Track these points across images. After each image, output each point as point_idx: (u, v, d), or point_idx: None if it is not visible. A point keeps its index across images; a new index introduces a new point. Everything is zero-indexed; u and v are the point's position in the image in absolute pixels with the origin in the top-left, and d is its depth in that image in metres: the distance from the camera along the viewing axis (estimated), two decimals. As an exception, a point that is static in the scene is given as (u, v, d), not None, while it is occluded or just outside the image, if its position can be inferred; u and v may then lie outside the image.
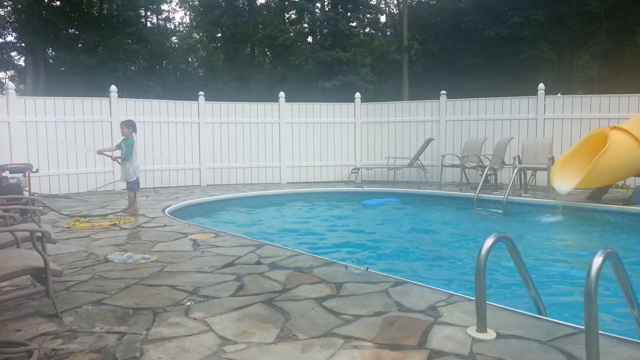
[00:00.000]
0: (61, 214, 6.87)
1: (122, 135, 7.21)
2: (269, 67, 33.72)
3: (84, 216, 6.79)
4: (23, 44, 25.37)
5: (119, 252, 4.60)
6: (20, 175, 7.62)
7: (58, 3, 26.18)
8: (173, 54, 31.72)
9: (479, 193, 8.67)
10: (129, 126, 7.19)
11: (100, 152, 7.43)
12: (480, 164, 10.24)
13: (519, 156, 9.54)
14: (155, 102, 11.22)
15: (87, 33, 25.40)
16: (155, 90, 25.45)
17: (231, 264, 4.22)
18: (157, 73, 29.40)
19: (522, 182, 9.48)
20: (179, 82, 29.92)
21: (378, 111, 12.42)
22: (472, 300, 2.99)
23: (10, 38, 26.87)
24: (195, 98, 11.57)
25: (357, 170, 11.68)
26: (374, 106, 12.56)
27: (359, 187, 10.77)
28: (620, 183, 9.55)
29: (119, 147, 7.26)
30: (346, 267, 4.04)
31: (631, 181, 9.53)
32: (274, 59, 32.90)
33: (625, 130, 7.65)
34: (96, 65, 23.64)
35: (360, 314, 2.98)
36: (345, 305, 3.14)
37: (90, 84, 22.23)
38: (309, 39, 30.49)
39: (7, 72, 29.93)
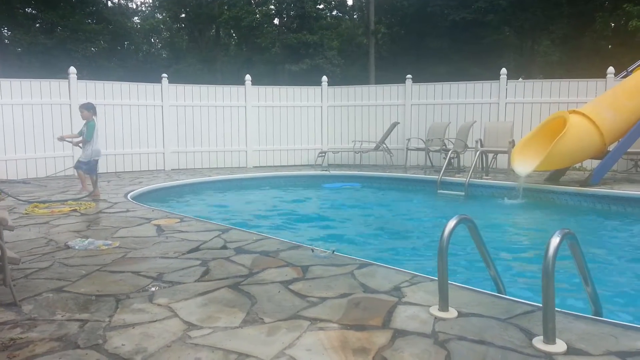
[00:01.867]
0: (19, 199, 6.65)
1: (83, 119, 7.00)
2: (234, 49, 33.14)
3: (43, 202, 6.59)
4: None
5: (79, 239, 4.49)
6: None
7: (13, -19, 24.99)
8: (135, 34, 30.80)
9: (442, 176, 8.83)
10: (88, 109, 6.97)
11: (61, 139, 7.21)
12: (444, 147, 10.41)
13: (481, 140, 9.75)
14: (117, 85, 10.90)
15: (45, 12, 24.35)
16: (117, 72, 24.70)
17: (196, 249, 4.18)
18: (119, 54, 28.54)
19: (484, 165, 9.70)
20: (142, 63, 29.14)
21: (345, 95, 12.43)
22: (434, 280, 3.06)
23: (-38, 18, 25.55)
24: (158, 80, 11.30)
25: (323, 154, 11.70)
26: (341, 90, 12.56)
27: (326, 170, 10.80)
28: (577, 165, 9.89)
29: (81, 133, 7.06)
30: (312, 250, 4.06)
31: (588, 163, 9.88)
32: (240, 41, 32.36)
33: (583, 114, 7.90)
34: (55, 46, 22.76)
35: (326, 296, 3.01)
36: (311, 288, 3.16)
37: (48, 65, 21.41)
38: (276, 21, 30.12)
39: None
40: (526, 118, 10.84)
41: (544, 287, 2.28)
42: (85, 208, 6.18)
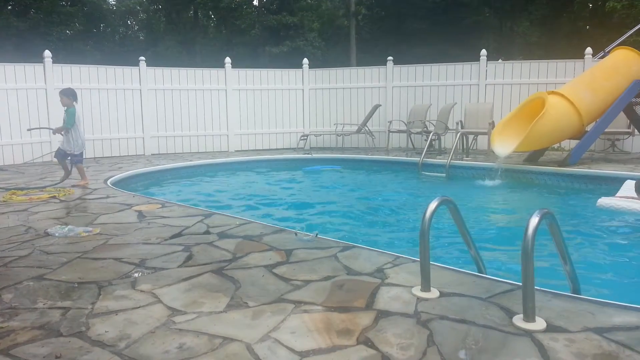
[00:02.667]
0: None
1: (62, 105, 6.73)
2: (213, 31, 32.61)
3: (21, 189, 6.47)
4: None
5: (59, 226, 4.43)
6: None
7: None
8: (111, 16, 30.13)
9: (423, 158, 8.89)
10: (68, 95, 6.67)
11: (56, 132, 6.81)
12: (425, 129, 10.47)
13: (461, 121, 9.82)
14: (93, 68, 10.68)
15: (17, -6, 23.66)
16: (93, 56, 24.17)
17: (179, 235, 4.16)
18: (95, 37, 27.91)
19: (465, 147, 9.79)
20: (118, 46, 28.56)
21: (326, 77, 12.37)
22: (417, 261, 3.09)
23: None
24: (136, 63, 11.09)
25: (305, 137, 11.68)
26: (322, 72, 12.49)
27: (308, 154, 10.78)
28: (556, 145, 10.05)
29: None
30: (296, 234, 4.07)
31: (566, 144, 10.04)
32: (219, 23, 31.87)
33: (562, 95, 8.00)
34: (28, 29, 22.15)
35: (310, 279, 3.03)
36: (295, 272, 3.18)
37: (22, 49, 20.83)
38: (255, 2, 29.70)
39: None
40: (506, 99, 10.93)
41: (523, 266, 2.33)
42: (65, 195, 6.09)
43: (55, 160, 6.86)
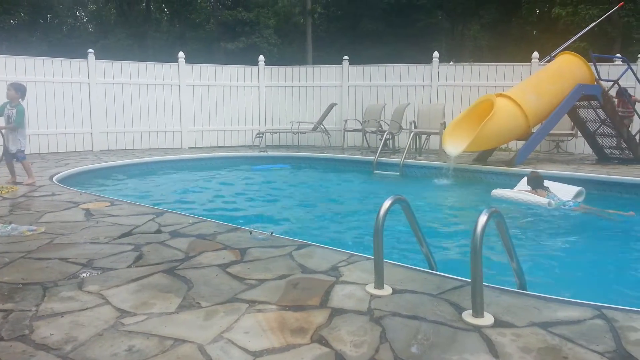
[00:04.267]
0: None
1: (7, 99, 6.30)
2: (166, 25, 31.89)
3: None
4: None
5: (2, 224, 4.22)
6: None
7: None
8: (58, 7, 28.88)
9: (378, 157, 9.02)
10: (17, 90, 6.26)
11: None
12: (380, 128, 10.61)
13: (414, 121, 10.02)
14: (39, 60, 10.22)
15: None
16: (40, 47, 23.13)
17: (129, 234, 4.04)
18: (41, 28, 26.76)
19: (417, 146, 9.99)
20: (66, 38, 27.46)
21: (282, 75, 12.32)
22: (370, 259, 3.13)
23: None
24: (84, 56, 10.70)
25: (261, 135, 11.61)
26: (278, 70, 12.44)
27: (263, 151, 10.72)
28: (503, 146, 10.41)
29: (1, 112, 6.38)
30: (250, 232, 4.04)
31: (513, 144, 10.42)
32: (172, 16, 31.19)
33: (509, 97, 8.29)
34: (-35, 17, 20.97)
35: (264, 278, 3.02)
36: (249, 271, 3.15)
37: (-42, 37, 19.71)
38: (210, -3, 29.24)
39: None
40: (457, 100, 11.23)
41: (472, 263, 2.40)
42: (8, 191, 5.80)
43: (22, 165, 6.38)
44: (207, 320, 2.44)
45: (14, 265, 3.25)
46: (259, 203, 6.99)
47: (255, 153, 10.62)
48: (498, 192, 6.51)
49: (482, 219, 2.43)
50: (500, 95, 8.43)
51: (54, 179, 6.85)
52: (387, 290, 2.78)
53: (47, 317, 2.47)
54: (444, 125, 9.30)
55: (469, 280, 2.49)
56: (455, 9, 25.66)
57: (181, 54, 11.62)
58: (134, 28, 28.17)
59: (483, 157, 8.95)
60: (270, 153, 10.53)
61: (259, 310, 2.55)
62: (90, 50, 10.82)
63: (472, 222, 2.46)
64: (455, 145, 8.13)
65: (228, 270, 3.17)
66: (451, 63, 12.17)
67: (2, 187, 6.06)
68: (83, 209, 4.94)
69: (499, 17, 25.94)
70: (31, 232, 4.02)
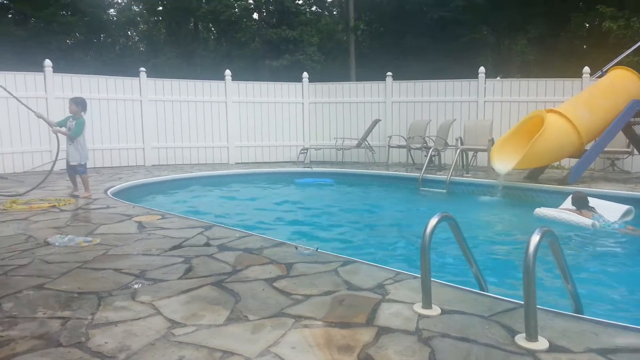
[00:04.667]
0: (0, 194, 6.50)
1: (70, 113, 6.66)
2: (213, 43, 32.79)
3: (18, 196, 6.45)
4: None
5: (59, 235, 4.41)
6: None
7: (-16, -30, 24.37)
8: (111, 27, 30.26)
9: (423, 173, 8.91)
10: (78, 103, 6.61)
11: (55, 131, 6.66)
12: (425, 145, 10.51)
13: (460, 137, 9.86)
14: (94, 78, 10.72)
15: (18, 3, 23.76)
16: (94, 65, 24.27)
17: (179, 246, 4.15)
18: (95, 47, 28.06)
19: (464, 163, 9.82)
20: (119, 57, 28.68)
21: (326, 91, 12.43)
22: (417, 277, 3.09)
23: None
24: (136, 74, 11.14)
25: (305, 151, 11.71)
26: (322, 86, 12.57)
27: (308, 167, 10.80)
28: (555, 164, 10.09)
29: (61, 124, 6.71)
30: (296, 247, 4.07)
31: (566, 162, 10.08)
32: (219, 35, 32.06)
33: (561, 113, 8.05)
34: (28, 38, 22.26)
35: (310, 294, 3.02)
36: (295, 286, 3.17)
37: (22, 57, 20.86)
38: (255, 16, 29.94)
39: None
40: (505, 116, 11.00)
41: (525, 284, 2.33)
42: (65, 204, 6.07)
43: (58, 169, 6.68)
44: (254, 334, 2.46)
45: (71, 274, 3.39)
46: (304, 218, 7.03)
47: (300, 169, 10.71)
48: (541, 211, 6.34)
49: (535, 238, 2.36)
50: (551, 111, 8.21)
51: (109, 192, 7.12)
52: (435, 310, 2.73)
53: (102, 325, 2.56)
54: (492, 141, 9.12)
55: (522, 302, 2.42)
56: (501, 24, 25.24)
57: (228, 72, 11.92)
58: (182, 47, 29.15)
59: (534, 174, 8.70)
60: (315, 169, 10.59)
61: (305, 326, 2.55)
62: (142, 69, 11.27)
63: (523, 242, 2.40)
64: (504, 163, 7.95)
65: (274, 284, 3.19)
66: (498, 78, 11.96)
67: (61, 199, 6.35)
68: (136, 222, 5.11)
69: (546, 32, 25.34)
70: (87, 243, 4.19)
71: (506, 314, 2.71)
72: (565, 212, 6.16)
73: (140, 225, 4.94)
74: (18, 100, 7.18)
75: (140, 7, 32.85)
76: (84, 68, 21.37)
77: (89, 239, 4.33)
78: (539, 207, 6.51)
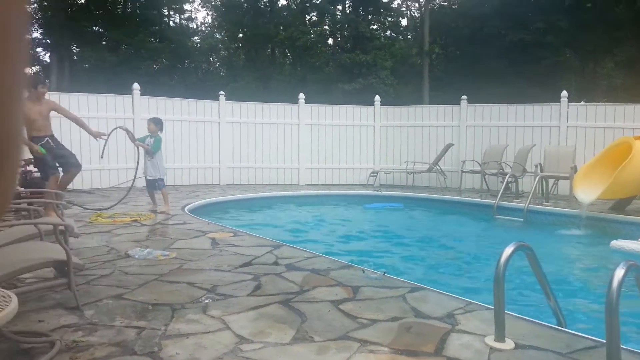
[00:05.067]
0: (86, 208, 6.99)
1: (149, 132, 7.20)
2: (289, 68, 33.77)
3: (103, 209, 6.89)
4: (49, 41, 25.84)
5: (139, 248, 4.66)
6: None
7: (83, 1, 26.66)
8: (195, 53, 32.01)
9: (499, 200, 8.57)
10: (156, 123, 7.19)
11: (137, 145, 7.22)
12: (501, 170, 10.13)
13: (540, 164, 9.41)
14: (177, 101, 11.36)
15: (111, 31, 25.80)
16: (177, 89, 25.70)
17: (249, 264, 4.24)
18: (179, 72, 29.75)
19: (544, 191, 9.36)
20: (200, 81, 30.20)
21: (397, 115, 12.38)
22: (490, 309, 2.96)
23: (36, 34, 27.41)
24: (215, 97, 11.68)
25: (375, 174, 11.66)
26: (394, 109, 12.53)
27: (377, 191, 10.74)
28: (644, 194, 9.37)
29: (141, 141, 7.22)
30: (363, 271, 4.03)
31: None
32: (294, 60, 32.98)
33: (651, 141, 7.50)
34: (119, 63, 24.02)
35: (376, 319, 2.98)
36: (361, 309, 3.14)
37: (113, 81, 22.56)
38: (330, 41, 30.55)
39: (33, 68, 30.54)
40: (589, 143, 10.41)
41: (607, 321, 2.16)
42: (145, 219, 6.42)
43: (141, 186, 7.18)
44: (319, 355, 2.46)
45: (148, 286, 3.55)
46: (372, 242, 6.97)
47: (369, 192, 10.67)
48: (618, 243, 6.06)
49: (619, 272, 2.20)
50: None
51: (186, 209, 7.45)
52: (508, 344, 2.60)
53: (174, 336, 2.66)
54: (574, 169, 8.64)
55: (604, 340, 2.25)
56: (586, 47, 24.10)
57: (301, 95, 12.20)
58: (259, 72, 30.24)
59: (621, 205, 8.12)
60: (384, 192, 10.52)
61: (371, 351, 2.51)
62: (221, 93, 11.80)
63: (607, 276, 2.24)
64: (587, 192, 7.50)
65: (340, 307, 3.18)
66: (582, 103, 11.37)
67: (142, 214, 6.72)
68: (210, 238, 5.30)
69: (635, 55, 23.87)
70: (164, 257, 4.39)
71: (586, 352, 2.53)
72: None
73: (214, 242, 5.11)
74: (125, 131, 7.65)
75: (222, 34, 34.58)
76: (168, 91, 22.62)
77: (166, 252, 4.54)
78: (628, 240, 6.10)
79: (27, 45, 0.32)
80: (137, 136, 7.42)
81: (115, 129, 7.31)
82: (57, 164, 6.12)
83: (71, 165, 6.23)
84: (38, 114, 5.93)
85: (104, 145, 6.89)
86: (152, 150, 7.02)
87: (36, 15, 26.63)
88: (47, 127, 6.13)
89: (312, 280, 3.76)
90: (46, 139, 6.02)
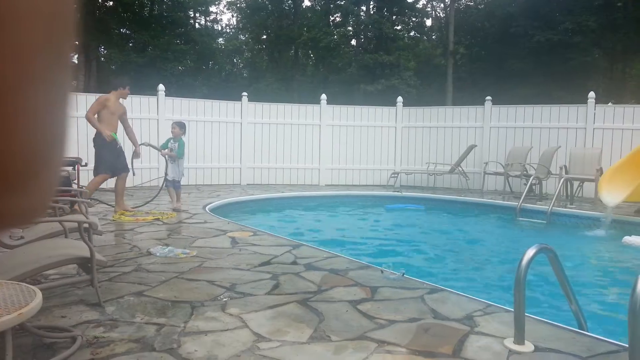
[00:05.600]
0: (110, 205, 7.13)
1: (173, 135, 7.35)
2: (311, 69, 33.89)
3: (137, 208, 7.01)
4: (76, 42, 26.38)
5: (161, 246, 4.73)
6: (69, 168, 7.94)
7: (111, 3, 27.16)
8: (219, 54, 32.36)
9: (522, 202, 8.44)
10: (181, 127, 7.38)
11: (164, 154, 7.47)
12: (525, 172, 9.98)
13: (565, 166, 9.23)
14: (201, 102, 11.49)
15: (138, 33, 26.26)
16: (201, 90, 26.03)
17: (268, 263, 4.27)
18: (203, 73, 30.10)
19: (568, 193, 9.18)
20: (224, 82, 30.52)
21: (420, 116, 12.29)
22: (510, 311, 2.92)
23: (65, 36, 28.02)
24: (238, 98, 11.77)
25: (396, 175, 11.60)
26: (416, 110, 12.45)
27: (398, 192, 10.68)
28: (674, 198, 9.12)
29: (164, 146, 7.41)
30: (382, 271, 4.02)
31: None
32: (317, 61, 33.06)
33: (681, 143, 7.30)
34: (145, 65, 24.41)
35: (394, 319, 2.96)
36: (379, 310, 3.13)
37: (139, 82, 22.88)
38: (353, 42, 30.52)
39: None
40: (616, 145, 10.17)
41: (630, 326, 2.11)
42: (167, 218, 6.51)
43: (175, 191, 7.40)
44: (336, 355, 2.46)
45: (169, 283, 3.60)
46: (391, 242, 6.93)
47: (390, 193, 10.62)
48: (630, 239, 6.25)
49: (645, 276, 2.15)
50: (670, 139, 7.47)
51: (207, 208, 7.53)
52: (528, 346, 2.56)
53: (193, 334, 2.69)
54: (600, 171, 8.45)
55: (626, 345, 2.20)
56: (615, 47, 23.56)
57: (323, 96, 12.21)
58: (282, 73, 30.41)
59: (647, 208, 7.93)
60: (405, 193, 10.45)
61: (388, 352, 2.50)
62: (244, 94, 11.89)
63: (631, 280, 2.19)
64: (613, 194, 7.33)
65: (358, 307, 3.17)
66: (610, 104, 11.10)
67: (164, 213, 6.82)
68: (230, 237, 5.35)
69: (667, 55, 23.30)
70: (185, 255, 4.44)
71: (608, 357, 2.48)
72: None
73: (234, 241, 5.16)
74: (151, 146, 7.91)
75: (247, 36, 34.87)
76: (192, 92, 23.00)
77: (187, 251, 4.60)
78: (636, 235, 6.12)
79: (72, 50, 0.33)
80: (159, 138, 7.56)
81: (141, 144, 7.48)
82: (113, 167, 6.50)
83: (122, 170, 6.68)
84: (117, 112, 6.51)
85: (132, 162, 7.14)
86: (177, 155, 7.15)
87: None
88: (117, 127, 6.46)
89: (330, 280, 3.76)
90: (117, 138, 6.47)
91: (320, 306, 3.17)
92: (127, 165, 6.78)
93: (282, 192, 10.14)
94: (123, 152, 6.76)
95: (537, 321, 2.95)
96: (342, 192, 10.76)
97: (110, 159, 6.35)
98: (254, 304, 3.18)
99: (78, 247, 3.17)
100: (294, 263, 4.29)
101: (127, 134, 6.99)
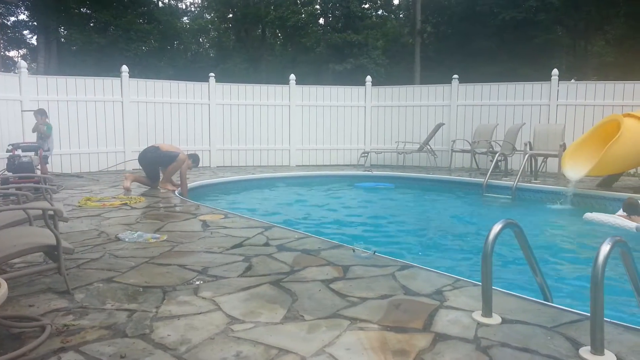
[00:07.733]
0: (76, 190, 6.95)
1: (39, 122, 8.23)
2: (279, 49, 33.42)
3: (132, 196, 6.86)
4: (35, 23, 25.33)
5: (129, 231, 4.66)
6: (32, 153, 7.70)
7: (70, -18, 26.06)
8: (184, 34, 31.54)
9: (488, 179, 8.63)
10: (42, 115, 8.29)
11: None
12: (491, 149, 10.18)
13: (530, 142, 9.46)
14: (166, 83, 11.23)
15: (99, 12, 25.30)
16: (167, 71, 25.37)
17: (240, 245, 4.26)
18: (168, 54, 29.32)
19: (533, 169, 9.43)
20: (190, 63, 29.84)
21: (389, 95, 12.34)
22: (478, 285, 3.00)
23: (22, 17, 26.85)
24: (206, 79, 11.56)
25: (366, 154, 11.68)
26: (385, 90, 12.49)
27: (368, 171, 10.76)
28: (632, 171, 9.48)
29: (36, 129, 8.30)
30: (353, 250, 4.07)
31: (643, 169, 9.44)
32: (285, 41, 32.65)
33: (639, 118, 7.55)
34: (108, 45, 23.61)
35: (366, 297, 3.01)
36: (351, 288, 3.17)
37: (101, 63, 22.23)
38: (321, 21, 30.20)
39: (20, 50, 30.01)
40: (578, 121, 10.45)
41: (592, 295, 2.21)
42: (135, 202, 6.40)
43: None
44: (310, 334, 2.49)
45: (139, 269, 3.56)
46: (362, 221, 7.01)
47: (360, 172, 10.69)
48: (590, 215, 6.40)
49: (605, 248, 2.24)
50: (629, 115, 7.72)
51: (176, 192, 7.43)
52: (495, 319, 2.65)
53: (165, 318, 2.68)
54: (563, 147, 8.70)
55: (588, 314, 2.30)
56: (577, 25, 24.01)
57: (292, 76, 12.11)
58: (250, 53, 29.89)
59: (608, 182, 8.21)
60: (375, 172, 10.54)
61: (361, 328, 2.55)
62: (211, 74, 11.68)
63: (593, 252, 2.28)
64: (576, 169, 7.56)
65: (331, 286, 3.21)
66: (572, 81, 11.37)
67: (131, 198, 6.70)
68: (200, 220, 5.30)
69: (626, 33, 23.82)
70: (155, 240, 4.39)
71: (571, 326, 2.58)
72: (613, 216, 6.14)
73: (205, 224, 5.12)
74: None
75: (212, 14, 34.06)
76: (158, 73, 22.39)
77: (157, 235, 4.54)
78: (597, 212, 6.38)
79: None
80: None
81: None
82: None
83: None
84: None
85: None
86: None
87: (22, -4, 26.07)
88: None
89: (302, 261, 3.78)
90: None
91: (293, 286, 3.19)
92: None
93: (253, 174, 10.08)
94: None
95: (504, 294, 3.05)
96: (313, 172, 10.78)
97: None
98: (226, 287, 3.18)
99: (43, 235, 3.10)
100: (266, 245, 4.30)
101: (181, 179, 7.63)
